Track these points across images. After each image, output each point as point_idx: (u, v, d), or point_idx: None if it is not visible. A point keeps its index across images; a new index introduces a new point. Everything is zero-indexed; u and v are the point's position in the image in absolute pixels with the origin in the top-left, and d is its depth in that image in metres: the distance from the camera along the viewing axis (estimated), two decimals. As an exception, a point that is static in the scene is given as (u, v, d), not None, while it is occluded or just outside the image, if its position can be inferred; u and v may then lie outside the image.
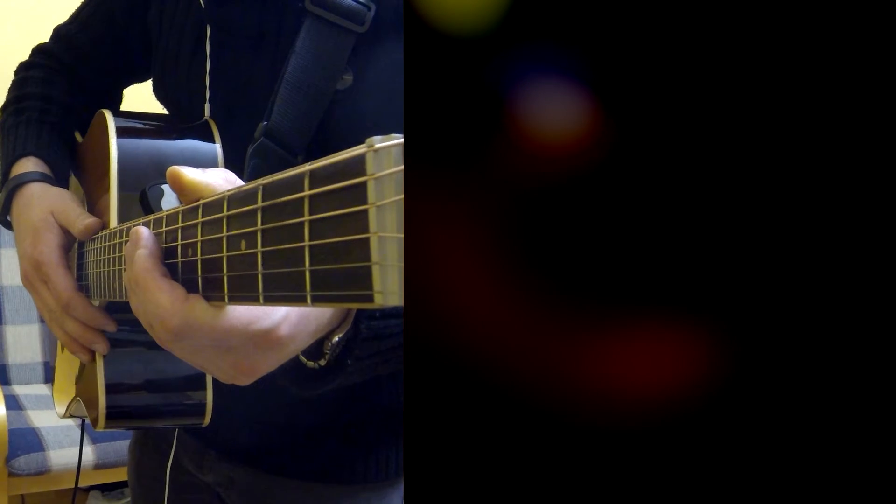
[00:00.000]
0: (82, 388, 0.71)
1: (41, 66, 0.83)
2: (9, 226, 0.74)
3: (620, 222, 0.28)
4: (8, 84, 0.84)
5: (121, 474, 1.93)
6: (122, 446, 1.89)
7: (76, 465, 1.80)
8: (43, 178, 0.72)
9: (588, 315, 0.28)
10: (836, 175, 0.27)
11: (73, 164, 0.78)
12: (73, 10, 0.85)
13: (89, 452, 1.88)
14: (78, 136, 0.80)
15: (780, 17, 0.27)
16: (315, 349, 0.49)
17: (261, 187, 0.33)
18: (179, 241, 0.40)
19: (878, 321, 0.27)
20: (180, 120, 0.70)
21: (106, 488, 2.19)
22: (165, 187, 0.57)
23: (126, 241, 0.44)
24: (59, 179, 0.74)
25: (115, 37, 0.80)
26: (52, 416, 1.96)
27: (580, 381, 0.29)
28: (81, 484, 1.98)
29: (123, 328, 0.62)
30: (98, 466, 1.89)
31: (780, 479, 0.28)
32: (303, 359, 0.49)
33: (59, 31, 0.85)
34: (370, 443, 0.74)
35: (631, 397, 0.29)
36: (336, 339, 0.48)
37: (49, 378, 2.25)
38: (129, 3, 0.78)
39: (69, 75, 0.82)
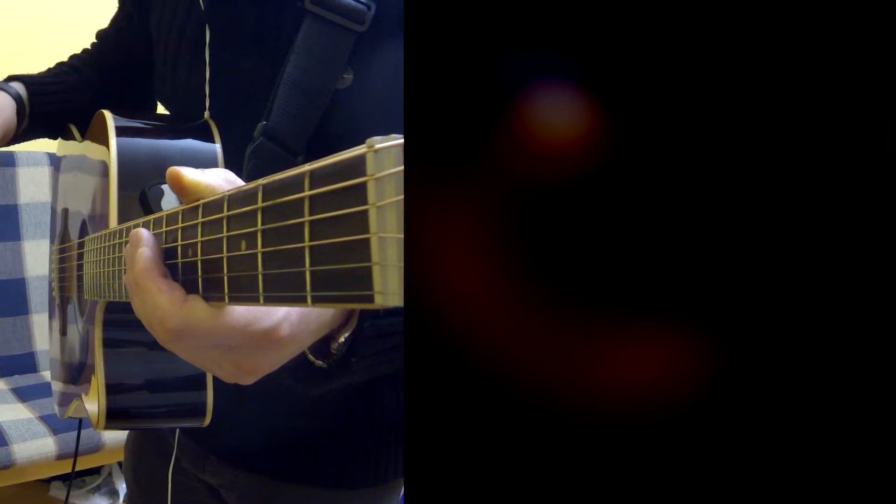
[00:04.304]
0: (82, 388, 0.71)
1: (63, 83, 0.86)
2: None
3: (624, 223, 0.28)
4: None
5: (84, 462, 1.90)
6: (84, 435, 1.85)
7: (40, 457, 1.81)
8: (14, 96, 0.76)
9: (590, 315, 0.28)
10: (841, 179, 0.27)
11: (59, 134, 0.83)
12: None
13: (51, 444, 1.85)
14: (78, 137, 0.81)
15: (780, 21, 0.27)
16: (320, 348, 0.48)
17: (261, 187, 0.33)
18: (179, 242, 0.40)
19: (869, 325, 0.27)
20: (180, 120, 0.70)
21: (67, 478, 2.16)
22: (165, 187, 0.57)
23: (126, 242, 0.44)
24: (32, 116, 0.78)
25: (123, 44, 0.82)
26: (11, 411, 1.95)
27: (582, 381, 0.29)
28: (42, 476, 1.95)
29: (124, 328, 0.62)
30: (60, 457, 1.86)
31: (782, 479, 0.28)
32: (311, 357, 0.49)
33: (92, 45, 0.89)
34: (370, 446, 0.74)
35: (635, 398, 0.29)
36: (342, 338, 0.47)
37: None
38: (135, 9, 0.79)
39: (91, 89, 0.86)
